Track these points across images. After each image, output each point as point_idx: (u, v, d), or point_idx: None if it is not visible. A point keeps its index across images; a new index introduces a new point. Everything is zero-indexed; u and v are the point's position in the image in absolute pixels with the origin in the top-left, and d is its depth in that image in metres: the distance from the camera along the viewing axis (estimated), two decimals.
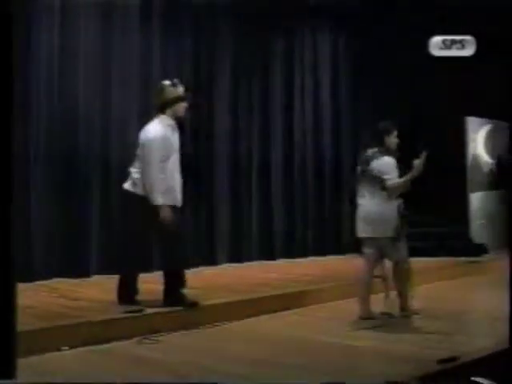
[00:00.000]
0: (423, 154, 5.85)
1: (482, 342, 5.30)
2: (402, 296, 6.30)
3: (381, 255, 6.32)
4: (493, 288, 7.95)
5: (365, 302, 6.27)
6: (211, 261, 9.48)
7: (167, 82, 5.91)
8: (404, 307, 6.29)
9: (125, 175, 8.40)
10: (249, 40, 10.14)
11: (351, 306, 6.90)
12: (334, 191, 11.36)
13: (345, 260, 10.72)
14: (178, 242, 5.98)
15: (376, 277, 7.93)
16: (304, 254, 10.71)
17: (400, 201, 6.16)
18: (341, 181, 11.45)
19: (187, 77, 9.26)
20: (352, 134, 11.69)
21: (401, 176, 6.04)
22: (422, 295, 7.74)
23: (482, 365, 4.51)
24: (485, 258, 10.51)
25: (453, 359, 4.38)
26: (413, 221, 10.69)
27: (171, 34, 9.17)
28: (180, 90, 5.90)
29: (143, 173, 5.79)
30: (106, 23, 8.48)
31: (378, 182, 6.07)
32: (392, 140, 6.28)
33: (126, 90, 8.63)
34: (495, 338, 5.23)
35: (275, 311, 6.47)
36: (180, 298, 5.89)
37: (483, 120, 11.67)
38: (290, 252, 10.60)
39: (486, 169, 11.64)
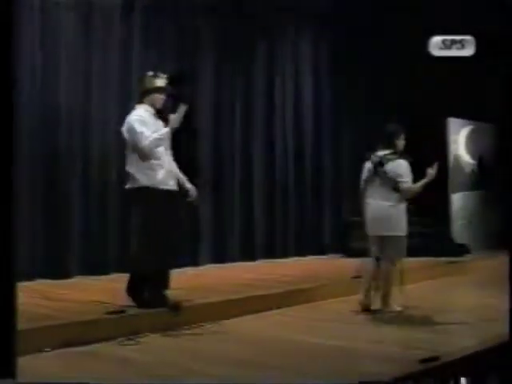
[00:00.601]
0: (436, 164, 6.27)
1: (463, 341, 5.31)
2: (386, 294, 6.38)
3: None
4: (474, 288, 8.02)
5: (367, 295, 6.51)
6: (194, 261, 9.47)
7: (150, 73, 5.96)
8: (386, 305, 6.35)
9: (107, 174, 8.46)
10: (230, 40, 10.14)
11: (333, 306, 6.94)
12: (314, 193, 11.40)
13: (325, 260, 10.77)
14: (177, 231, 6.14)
15: (356, 277, 8.00)
16: (285, 255, 10.72)
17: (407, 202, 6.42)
18: (321, 182, 11.50)
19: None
20: (333, 136, 11.74)
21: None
22: (403, 295, 7.79)
23: (463, 364, 4.53)
24: (466, 258, 10.57)
25: (434, 359, 4.40)
26: None
27: (152, 34, 9.15)
28: (160, 81, 5.93)
29: (131, 142, 5.79)
30: (86, 21, 8.45)
31: (393, 183, 6.26)
32: (401, 142, 6.46)
33: (107, 89, 8.60)
34: (477, 338, 5.27)
35: (258, 312, 6.47)
36: (163, 300, 5.88)
37: (464, 121, 11.73)
38: (272, 253, 10.61)
39: (467, 169, 11.70)
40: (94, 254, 8.30)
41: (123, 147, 6.09)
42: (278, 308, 6.70)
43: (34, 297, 6.61)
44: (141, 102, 5.96)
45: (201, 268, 9.43)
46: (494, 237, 11.50)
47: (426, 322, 6.39)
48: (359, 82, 11.69)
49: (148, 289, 5.89)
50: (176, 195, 6.02)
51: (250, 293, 6.93)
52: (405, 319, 6.42)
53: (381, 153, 6.41)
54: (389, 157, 6.35)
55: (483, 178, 11.86)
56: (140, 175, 5.79)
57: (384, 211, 6.32)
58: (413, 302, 7.18)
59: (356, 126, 11.92)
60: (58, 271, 7.95)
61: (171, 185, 5.97)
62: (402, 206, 6.37)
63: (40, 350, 4.89)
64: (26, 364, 4.57)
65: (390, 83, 11.67)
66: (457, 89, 11.27)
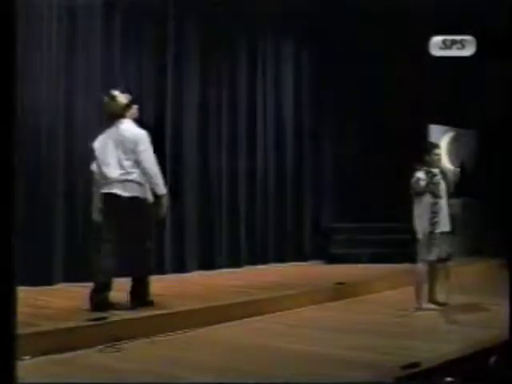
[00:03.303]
0: None
1: (444, 347, 5.33)
2: None
3: None
4: (454, 294, 8.04)
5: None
6: (180, 268, 9.47)
7: (116, 91, 6.39)
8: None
9: (91, 181, 8.42)
10: (214, 50, 10.14)
11: (313, 313, 6.95)
12: (295, 199, 11.43)
13: (306, 267, 10.79)
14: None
15: (339, 283, 8.02)
16: (266, 262, 10.73)
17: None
18: (302, 189, 11.53)
19: (150, 86, 9.27)
20: (313, 143, 11.78)
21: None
22: (383, 301, 7.82)
23: (444, 371, 4.55)
24: (448, 264, 10.58)
25: (415, 365, 4.42)
26: (376, 227, 10.83)
27: (133, 44, 9.12)
28: (127, 96, 6.43)
29: (144, 167, 6.15)
30: (67, 30, 8.40)
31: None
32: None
33: (88, 99, 8.55)
34: (458, 344, 5.29)
35: (238, 318, 6.46)
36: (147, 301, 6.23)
37: (446, 128, 11.79)
38: (254, 259, 10.61)
39: (450, 177, 11.74)
40: (77, 260, 8.24)
41: None
42: (260, 315, 6.69)
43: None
44: (122, 116, 6.33)
45: (185, 275, 9.38)
46: (475, 243, 11.56)
47: (406, 327, 6.42)
48: (340, 88, 11.71)
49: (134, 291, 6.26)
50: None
51: (230, 300, 6.93)
52: (385, 325, 6.45)
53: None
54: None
55: (464, 185, 11.91)
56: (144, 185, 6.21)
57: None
58: (392, 307, 7.23)
59: (337, 132, 11.96)
60: (41, 278, 7.90)
61: None
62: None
63: (19, 358, 4.85)
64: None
65: (373, 90, 11.73)
66: (438, 96, 11.34)
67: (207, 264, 9.85)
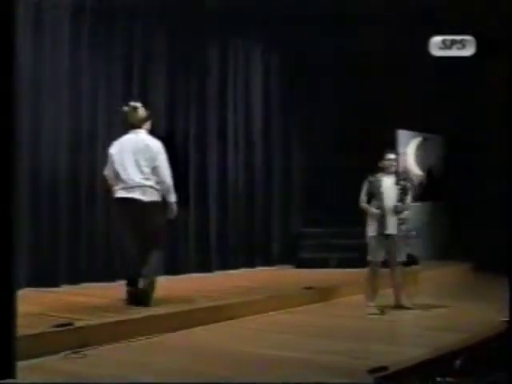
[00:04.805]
0: None
1: (411, 351, 5.34)
2: None
3: None
4: (423, 298, 8.08)
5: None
6: None
7: (138, 104, 6.93)
8: None
9: (57, 186, 8.34)
10: (183, 51, 10.11)
11: (282, 318, 6.95)
12: (264, 204, 11.42)
13: (275, 271, 10.78)
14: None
15: (308, 288, 8.03)
16: (236, 266, 10.70)
17: None
18: (271, 194, 11.53)
19: (119, 91, 9.20)
20: (282, 148, 11.79)
21: None
22: (351, 305, 7.84)
23: (411, 374, 4.56)
24: (415, 268, 10.65)
25: (383, 369, 4.42)
26: (344, 232, 10.85)
27: (103, 45, 9.04)
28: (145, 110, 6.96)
29: (162, 176, 6.70)
30: (35, 34, 8.31)
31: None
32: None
33: (56, 101, 8.47)
34: (425, 347, 5.30)
35: (207, 323, 6.43)
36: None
37: (414, 133, 11.86)
38: (224, 264, 10.57)
39: (416, 181, 11.81)
40: (42, 265, 8.15)
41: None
42: (228, 319, 6.67)
43: None
44: (139, 127, 6.86)
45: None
46: (442, 247, 11.64)
47: (374, 331, 6.43)
48: (308, 93, 11.74)
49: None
50: None
51: (199, 304, 6.90)
52: (355, 329, 6.45)
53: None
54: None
55: (432, 189, 11.99)
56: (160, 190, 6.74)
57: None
58: (363, 310, 7.24)
59: (306, 137, 11.97)
60: None
61: None
62: None
63: None
64: None
65: (341, 96, 11.78)
66: (406, 101, 11.40)
67: (175, 269, 9.78)
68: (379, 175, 7.41)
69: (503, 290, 8.23)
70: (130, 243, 6.73)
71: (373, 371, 4.36)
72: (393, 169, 7.46)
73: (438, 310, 7.49)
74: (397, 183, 7.39)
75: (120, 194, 6.71)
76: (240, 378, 4.51)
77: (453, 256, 11.52)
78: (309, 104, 11.82)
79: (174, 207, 6.85)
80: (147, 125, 6.96)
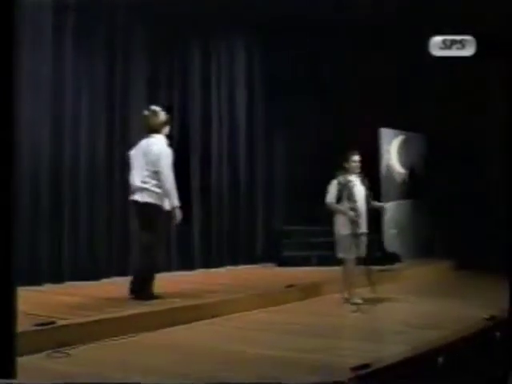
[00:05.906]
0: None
1: (393, 348, 5.36)
2: None
3: None
4: (405, 296, 8.12)
5: None
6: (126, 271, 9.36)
7: (158, 108, 7.10)
8: None
9: (38, 186, 8.30)
10: (165, 51, 10.09)
11: (264, 316, 6.96)
12: (247, 203, 11.44)
13: (258, 269, 10.79)
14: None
15: (289, 286, 8.05)
16: (220, 264, 10.71)
17: None
18: (254, 193, 11.55)
19: (101, 90, 9.17)
20: (266, 147, 11.82)
21: None
22: (332, 303, 7.85)
23: (394, 371, 4.58)
24: (397, 266, 10.70)
25: (365, 366, 4.43)
26: (326, 230, 10.86)
27: (84, 48, 9.00)
28: (165, 114, 7.12)
29: (164, 180, 6.82)
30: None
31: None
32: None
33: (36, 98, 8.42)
34: (407, 345, 5.32)
35: (189, 321, 6.43)
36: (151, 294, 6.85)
37: (396, 131, 11.88)
38: (207, 262, 10.57)
39: (398, 179, 11.85)
40: (25, 264, 8.10)
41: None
42: (211, 318, 6.67)
43: None
44: (157, 132, 7.01)
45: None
46: (424, 245, 11.68)
47: (356, 329, 6.45)
48: (291, 90, 11.74)
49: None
50: None
51: (181, 303, 6.89)
52: (336, 327, 6.47)
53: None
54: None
55: (414, 187, 12.03)
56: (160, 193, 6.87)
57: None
58: (344, 308, 7.26)
59: (289, 137, 11.98)
60: None
61: None
62: None
63: None
64: None
65: (325, 94, 11.80)
66: (389, 99, 11.44)
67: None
68: (347, 176, 7.65)
69: (484, 288, 8.31)
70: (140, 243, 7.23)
71: (355, 369, 4.37)
72: (358, 169, 7.71)
73: (419, 308, 7.52)
74: (362, 183, 7.70)
75: (130, 197, 7.08)
76: (219, 376, 4.51)
77: (435, 254, 11.57)
78: (291, 102, 11.81)
79: (177, 212, 6.91)
80: (166, 129, 7.13)
